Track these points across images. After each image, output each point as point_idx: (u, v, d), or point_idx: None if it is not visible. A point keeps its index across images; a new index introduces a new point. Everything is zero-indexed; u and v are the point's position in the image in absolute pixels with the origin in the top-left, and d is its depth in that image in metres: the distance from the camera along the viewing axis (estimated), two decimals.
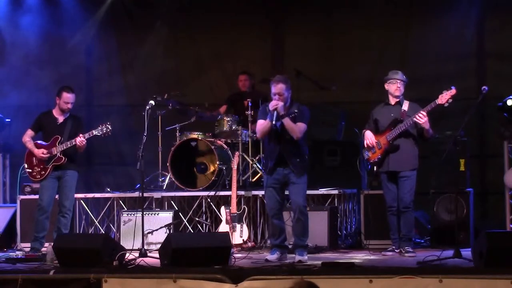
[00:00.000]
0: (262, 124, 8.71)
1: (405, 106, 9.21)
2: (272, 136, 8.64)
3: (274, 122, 8.55)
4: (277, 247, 8.74)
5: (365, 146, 9.31)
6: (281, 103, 8.57)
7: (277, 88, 8.63)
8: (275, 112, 8.54)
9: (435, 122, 9.36)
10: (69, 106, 9.68)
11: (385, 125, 9.25)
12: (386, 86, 9.33)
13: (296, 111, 8.63)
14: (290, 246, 8.94)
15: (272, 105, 8.57)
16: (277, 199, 8.72)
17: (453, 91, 8.84)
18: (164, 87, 11.58)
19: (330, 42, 12.12)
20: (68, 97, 9.66)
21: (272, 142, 8.67)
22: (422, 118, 8.92)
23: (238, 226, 9.90)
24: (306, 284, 4.88)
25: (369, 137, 9.28)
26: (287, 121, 8.55)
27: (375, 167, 9.28)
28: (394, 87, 9.24)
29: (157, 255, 8.36)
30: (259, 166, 10.71)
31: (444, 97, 8.85)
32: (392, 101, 9.31)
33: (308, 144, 10.94)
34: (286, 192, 8.87)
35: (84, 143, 9.49)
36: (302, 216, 8.64)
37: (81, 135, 9.49)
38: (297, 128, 8.57)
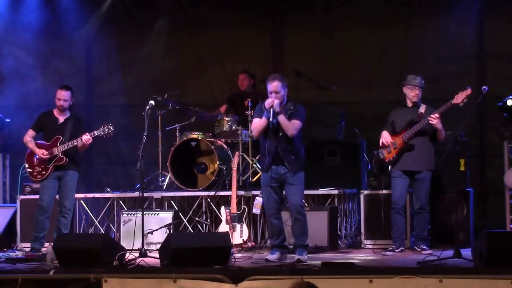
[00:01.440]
0: (257, 122, 8.72)
1: (422, 108, 9.33)
2: (269, 133, 8.63)
3: (271, 120, 8.55)
4: (277, 247, 8.74)
5: (381, 145, 9.42)
6: (277, 101, 8.57)
7: (273, 86, 8.63)
8: (271, 110, 8.55)
9: None
10: (62, 103, 9.67)
11: (402, 126, 9.35)
12: (404, 90, 9.45)
13: (292, 108, 8.67)
14: (290, 247, 8.94)
15: (268, 102, 8.59)
16: (275, 199, 8.72)
17: (468, 91, 8.95)
18: (164, 87, 11.58)
19: (330, 42, 12.11)
20: (61, 94, 9.67)
21: (268, 140, 8.66)
22: (433, 119, 9.07)
23: (238, 226, 9.91)
24: (305, 285, 4.89)
25: (385, 136, 9.42)
26: (282, 118, 8.56)
27: (389, 166, 9.36)
28: (413, 93, 9.38)
29: (157, 255, 8.36)
30: (259, 166, 10.70)
31: (460, 97, 8.98)
32: (410, 103, 9.44)
33: (308, 144, 11.03)
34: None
35: (90, 141, 9.49)
36: (300, 216, 8.64)
37: (87, 133, 9.49)
38: (291, 126, 8.58)
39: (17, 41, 12.15)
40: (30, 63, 12.15)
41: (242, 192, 10.25)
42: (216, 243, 8.15)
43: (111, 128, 9.52)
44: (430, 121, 9.09)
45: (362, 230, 10.13)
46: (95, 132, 9.55)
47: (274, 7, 12.23)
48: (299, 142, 8.74)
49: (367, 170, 10.82)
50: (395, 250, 9.26)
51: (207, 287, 7.15)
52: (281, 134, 8.59)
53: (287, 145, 8.61)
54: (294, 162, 8.61)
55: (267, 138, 8.67)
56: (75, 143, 9.51)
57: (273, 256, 8.64)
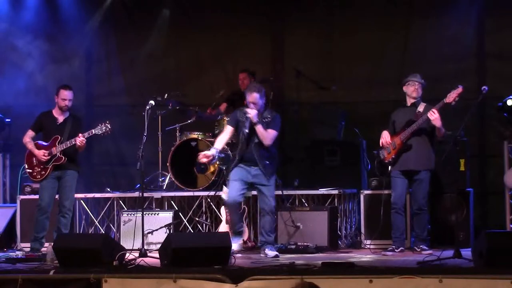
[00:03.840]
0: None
1: (421, 108, 9.31)
2: (244, 139, 9.11)
3: (247, 131, 9.03)
4: (238, 234, 9.24)
5: (380, 145, 9.43)
6: (254, 112, 9.00)
7: (252, 97, 9.09)
8: (249, 120, 9.02)
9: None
10: (67, 103, 9.68)
11: (401, 126, 9.36)
12: (404, 88, 9.44)
13: (269, 116, 9.10)
14: (286, 246, 9.22)
15: (247, 113, 9.03)
16: (241, 192, 9.15)
17: (459, 89, 8.97)
18: (164, 87, 11.58)
19: (330, 42, 12.10)
20: (65, 94, 9.67)
21: (242, 144, 9.13)
22: (433, 114, 9.04)
23: None
24: (307, 285, 4.89)
25: (384, 136, 9.43)
26: (259, 129, 9.00)
27: (389, 166, 9.36)
28: (412, 88, 9.37)
29: (157, 255, 8.35)
30: None
31: (452, 96, 9.00)
32: (409, 102, 9.44)
33: (308, 144, 11.07)
34: (254, 192, 9.41)
35: (84, 142, 9.50)
36: (272, 214, 9.12)
37: (80, 134, 9.49)
38: (267, 135, 9.03)
39: (17, 41, 12.14)
40: (30, 63, 12.15)
41: None
42: (216, 243, 8.14)
43: (109, 126, 9.51)
44: (430, 116, 9.07)
45: (362, 230, 10.13)
46: (93, 130, 9.54)
47: (275, 7, 12.23)
48: (273, 148, 9.17)
49: (367, 170, 10.81)
50: (395, 250, 9.26)
51: (207, 287, 7.14)
52: (256, 141, 9.03)
53: (262, 151, 9.08)
54: (268, 166, 9.07)
55: (241, 143, 9.14)
56: (73, 142, 9.51)
57: (237, 243, 9.13)
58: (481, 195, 11.09)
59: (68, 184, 9.67)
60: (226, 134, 9.32)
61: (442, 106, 9.07)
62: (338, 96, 11.71)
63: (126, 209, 10.53)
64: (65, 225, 9.63)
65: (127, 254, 8.28)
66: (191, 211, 10.51)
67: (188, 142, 10.89)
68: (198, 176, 10.99)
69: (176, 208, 10.47)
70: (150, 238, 9.97)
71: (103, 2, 12.27)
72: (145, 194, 10.03)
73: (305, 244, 9.52)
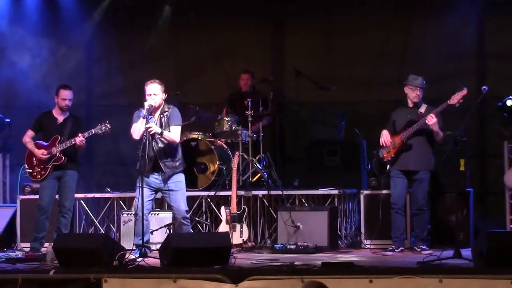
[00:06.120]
0: (134, 126, 9.00)
1: (422, 108, 9.34)
2: (147, 142, 8.86)
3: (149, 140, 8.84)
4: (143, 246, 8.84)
5: (380, 144, 9.43)
6: (153, 127, 8.80)
7: (152, 88, 9.20)
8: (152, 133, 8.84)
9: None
10: (67, 103, 9.68)
11: (401, 126, 9.37)
12: (406, 90, 9.44)
13: (166, 110, 9.03)
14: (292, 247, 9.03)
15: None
16: (149, 199, 9.01)
17: (464, 91, 8.98)
18: (164, 87, 11.54)
19: (330, 42, 12.11)
20: (65, 94, 9.68)
21: (144, 144, 8.83)
22: (430, 120, 9.06)
23: (238, 226, 9.91)
24: (317, 285, 4.89)
25: (385, 135, 9.45)
26: (165, 135, 8.86)
27: (388, 165, 9.36)
28: (414, 94, 9.39)
29: (157, 255, 8.35)
30: (259, 166, 10.72)
31: (456, 98, 9.01)
32: (410, 103, 9.45)
33: (308, 144, 11.06)
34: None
35: (84, 142, 9.50)
36: (186, 221, 9.01)
37: (80, 134, 9.49)
38: (174, 135, 8.90)
39: (17, 41, 12.14)
40: (30, 63, 12.15)
41: (242, 192, 10.26)
42: (216, 243, 8.14)
43: (108, 125, 9.50)
44: (427, 122, 9.10)
45: (362, 230, 10.14)
46: (93, 130, 9.53)
47: (275, 7, 12.23)
48: (174, 147, 9.01)
49: (367, 170, 10.82)
50: (395, 250, 9.27)
51: (207, 287, 7.14)
52: (157, 136, 8.87)
53: (163, 147, 8.89)
54: (170, 165, 8.92)
55: (145, 146, 8.85)
56: (72, 142, 9.51)
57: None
58: (481, 195, 11.09)
59: (68, 184, 9.67)
60: None
61: (446, 108, 9.09)
62: (338, 96, 11.70)
63: (126, 209, 10.53)
64: (65, 225, 9.63)
65: (127, 254, 8.27)
66: (191, 211, 10.49)
67: (188, 142, 10.88)
68: (198, 176, 11.00)
69: None
70: (150, 238, 9.96)
71: (103, 2, 12.26)
72: None
73: (305, 244, 9.53)
